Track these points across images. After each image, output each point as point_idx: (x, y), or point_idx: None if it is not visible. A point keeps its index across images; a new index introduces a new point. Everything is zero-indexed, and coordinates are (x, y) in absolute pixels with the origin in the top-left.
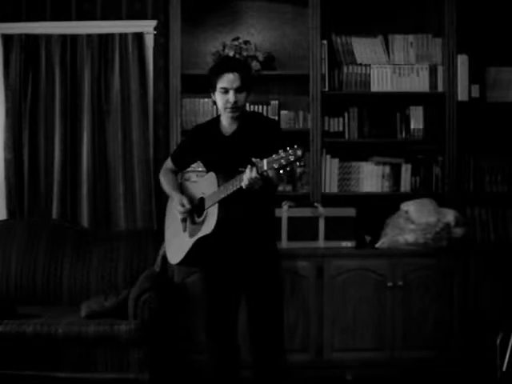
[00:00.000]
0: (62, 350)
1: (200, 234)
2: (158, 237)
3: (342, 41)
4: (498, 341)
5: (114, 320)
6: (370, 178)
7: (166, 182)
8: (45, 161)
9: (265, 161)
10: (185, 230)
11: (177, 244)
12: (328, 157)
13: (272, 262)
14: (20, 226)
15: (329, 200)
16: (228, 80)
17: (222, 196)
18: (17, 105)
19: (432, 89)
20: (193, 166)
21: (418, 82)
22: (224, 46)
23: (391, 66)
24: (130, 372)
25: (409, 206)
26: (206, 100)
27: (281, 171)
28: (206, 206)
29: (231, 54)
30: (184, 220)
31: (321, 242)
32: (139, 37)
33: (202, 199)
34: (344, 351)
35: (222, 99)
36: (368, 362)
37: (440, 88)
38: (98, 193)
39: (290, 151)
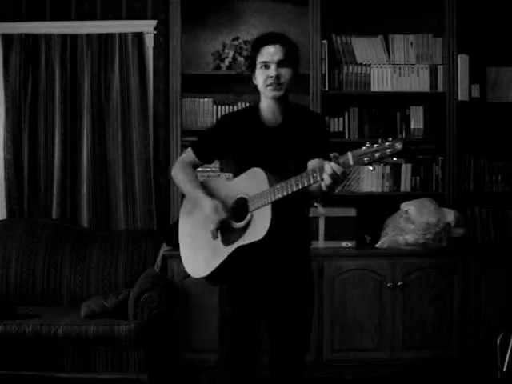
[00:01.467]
0: (62, 350)
1: (244, 242)
2: (158, 237)
3: (342, 41)
4: (498, 341)
5: (114, 320)
6: (370, 178)
7: (186, 180)
8: (45, 161)
9: (349, 154)
10: (215, 238)
11: (202, 254)
12: None
13: (309, 275)
14: (20, 226)
15: (329, 200)
16: (268, 53)
17: (279, 196)
18: (17, 105)
19: (432, 89)
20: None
21: (418, 82)
22: (224, 46)
23: (391, 66)
24: (130, 372)
25: (409, 206)
26: (206, 100)
27: (370, 167)
28: (252, 208)
29: (231, 54)
30: (217, 229)
31: (321, 242)
32: (139, 37)
33: (241, 200)
34: (344, 351)
35: (263, 75)
36: (368, 362)
37: (440, 88)
38: (98, 193)
39: (387, 143)
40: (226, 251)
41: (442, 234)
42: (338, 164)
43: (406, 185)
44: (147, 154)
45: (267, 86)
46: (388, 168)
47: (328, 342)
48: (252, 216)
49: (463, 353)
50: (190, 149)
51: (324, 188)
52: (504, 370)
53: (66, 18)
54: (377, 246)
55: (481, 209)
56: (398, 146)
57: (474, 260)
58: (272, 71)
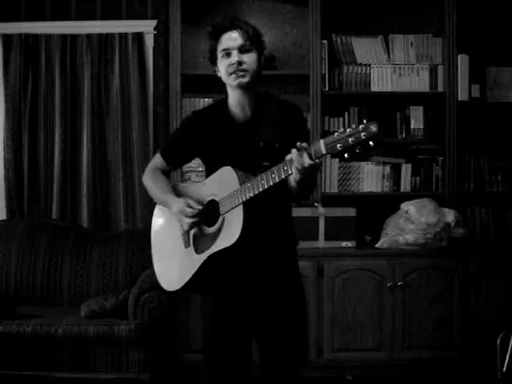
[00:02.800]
0: (62, 350)
1: (215, 248)
2: None
3: (342, 41)
4: (498, 341)
5: (114, 320)
6: (370, 177)
7: (155, 186)
8: (45, 161)
9: (321, 141)
10: (187, 246)
11: (175, 265)
12: (328, 157)
13: (297, 280)
14: (20, 226)
15: (329, 200)
16: (228, 39)
17: (250, 195)
18: (17, 105)
19: (432, 89)
20: (190, 164)
21: (419, 82)
22: None
23: (391, 66)
24: (130, 372)
25: (409, 206)
26: (206, 100)
27: (345, 155)
28: (223, 211)
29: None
30: (187, 232)
31: (321, 242)
32: (139, 37)
33: (212, 203)
34: (344, 351)
35: (225, 63)
36: (368, 362)
37: (440, 88)
38: (98, 193)
39: (361, 126)
40: (199, 260)
41: (442, 234)
42: (309, 155)
43: (406, 185)
44: (147, 154)
45: (230, 74)
46: (388, 168)
47: (328, 342)
48: (224, 219)
49: (463, 353)
50: (157, 154)
51: (293, 183)
52: (504, 370)
53: (66, 18)
54: (377, 246)
55: (481, 209)
56: (373, 128)
57: (474, 260)
58: (234, 58)
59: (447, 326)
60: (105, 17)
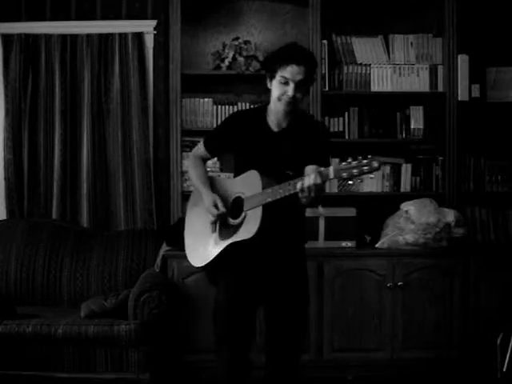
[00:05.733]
0: (62, 350)
1: (236, 238)
2: (158, 237)
3: (342, 41)
4: (498, 341)
5: (114, 320)
6: (370, 177)
7: (195, 174)
8: (45, 161)
9: (331, 168)
10: (214, 231)
11: (202, 245)
12: None
13: (303, 273)
14: (20, 226)
15: (329, 200)
16: (292, 72)
17: (269, 200)
18: (17, 105)
19: (432, 89)
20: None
21: (419, 82)
22: (224, 46)
23: (391, 66)
24: (130, 372)
25: (409, 206)
26: (206, 100)
27: (349, 182)
28: (246, 208)
29: (231, 54)
30: (215, 222)
31: (321, 242)
32: (139, 37)
33: (238, 199)
34: (344, 351)
35: (280, 89)
36: (368, 362)
37: (440, 88)
38: (98, 193)
39: (365, 161)
40: (222, 245)
41: (442, 234)
42: (320, 175)
43: (405, 185)
44: (147, 154)
45: (280, 100)
46: (388, 168)
47: (328, 342)
48: (246, 215)
49: (463, 353)
50: (201, 142)
51: (300, 194)
52: (504, 370)
53: (66, 17)
54: (377, 246)
55: (481, 209)
56: (375, 164)
57: (474, 260)
58: (290, 90)
59: (447, 326)
60: (105, 17)
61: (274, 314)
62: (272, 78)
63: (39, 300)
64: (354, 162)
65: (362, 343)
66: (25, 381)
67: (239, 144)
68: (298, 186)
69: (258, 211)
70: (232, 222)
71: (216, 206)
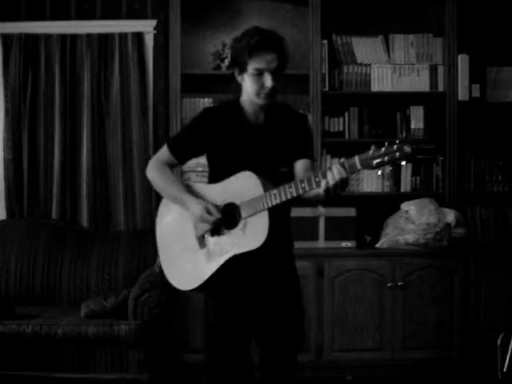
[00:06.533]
0: (62, 350)
1: (239, 250)
2: None
3: (343, 40)
4: (499, 341)
5: (114, 320)
6: (370, 177)
7: (166, 181)
8: (45, 161)
9: (356, 158)
10: (203, 247)
11: (190, 265)
12: (328, 157)
13: (295, 281)
14: (20, 226)
15: (329, 200)
16: (264, 61)
17: (276, 202)
18: (16, 105)
19: (432, 88)
20: (190, 164)
21: (419, 82)
22: (224, 46)
23: (391, 66)
24: (130, 372)
25: (409, 206)
26: (206, 100)
27: (379, 171)
28: (245, 215)
29: (232, 56)
30: (203, 234)
31: (321, 242)
32: (139, 36)
33: (230, 206)
34: (344, 351)
35: (256, 83)
36: (368, 363)
37: (440, 88)
38: (98, 193)
39: (395, 146)
40: (218, 261)
41: (442, 234)
42: (344, 168)
43: (406, 185)
44: (147, 154)
45: (259, 94)
46: (388, 168)
47: (328, 342)
48: (246, 223)
49: (463, 353)
50: (164, 147)
51: (321, 190)
52: (504, 370)
53: (66, 17)
54: (377, 246)
55: (481, 209)
56: (407, 149)
57: (474, 260)
58: (268, 81)
59: (447, 326)
60: (105, 17)
61: (266, 326)
62: (242, 71)
63: (39, 300)
64: (383, 149)
65: (362, 343)
66: (25, 381)
67: (216, 144)
68: (323, 184)
69: (264, 217)
70: (228, 232)
71: (209, 212)
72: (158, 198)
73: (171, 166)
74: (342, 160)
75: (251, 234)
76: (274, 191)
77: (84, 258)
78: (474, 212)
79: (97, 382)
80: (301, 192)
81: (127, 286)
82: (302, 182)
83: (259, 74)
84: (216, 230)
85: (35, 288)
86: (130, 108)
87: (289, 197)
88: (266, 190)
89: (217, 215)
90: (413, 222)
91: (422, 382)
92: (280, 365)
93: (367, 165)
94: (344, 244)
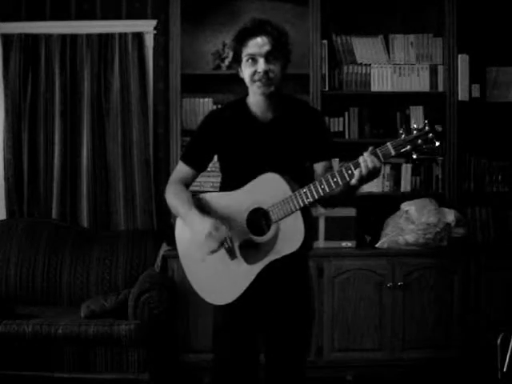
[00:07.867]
0: (62, 350)
1: (277, 255)
2: (158, 237)
3: (343, 40)
4: (499, 341)
5: (114, 320)
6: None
7: (178, 203)
8: (45, 161)
9: (389, 145)
10: (234, 257)
11: (225, 278)
12: None
13: (309, 287)
14: (20, 226)
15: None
16: (255, 45)
17: (308, 201)
18: (16, 105)
19: (432, 88)
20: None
21: (419, 82)
22: (224, 46)
23: (391, 66)
24: (130, 372)
25: (409, 206)
26: (206, 100)
27: (414, 156)
28: (275, 218)
29: (231, 53)
30: (229, 248)
31: (321, 242)
32: (139, 37)
33: (257, 211)
34: (344, 351)
35: (249, 69)
36: (368, 363)
37: (440, 88)
38: (98, 193)
39: (427, 128)
40: (255, 269)
41: (442, 234)
42: (377, 156)
43: (406, 185)
44: (147, 154)
45: (254, 81)
46: (388, 168)
47: (328, 342)
48: (278, 227)
49: (463, 353)
50: (179, 162)
51: (354, 182)
52: (504, 370)
53: (66, 17)
54: (377, 245)
55: (481, 209)
56: (439, 128)
57: (474, 260)
58: (260, 66)
59: (447, 326)
60: (105, 17)
61: (275, 335)
62: (240, 62)
63: (39, 300)
64: (415, 132)
65: (362, 343)
66: (25, 381)
67: (224, 145)
68: (356, 173)
69: (298, 217)
70: (258, 239)
71: (218, 229)
72: (158, 198)
73: (190, 180)
74: (372, 148)
75: (287, 237)
76: (304, 190)
77: (84, 258)
78: (473, 212)
79: (97, 382)
80: (334, 187)
81: (127, 286)
82: (333, 176)
83: (253, 59)
84: (245, 241)
85: (35, 288)
86: (130, 108)
87: (321, 194)
88: (293, 189)
89: (224, 232)
90: (413, 221)
91: (421, 382)
92: (286, 367)
93: (399, 150)
94: (344, 244)
